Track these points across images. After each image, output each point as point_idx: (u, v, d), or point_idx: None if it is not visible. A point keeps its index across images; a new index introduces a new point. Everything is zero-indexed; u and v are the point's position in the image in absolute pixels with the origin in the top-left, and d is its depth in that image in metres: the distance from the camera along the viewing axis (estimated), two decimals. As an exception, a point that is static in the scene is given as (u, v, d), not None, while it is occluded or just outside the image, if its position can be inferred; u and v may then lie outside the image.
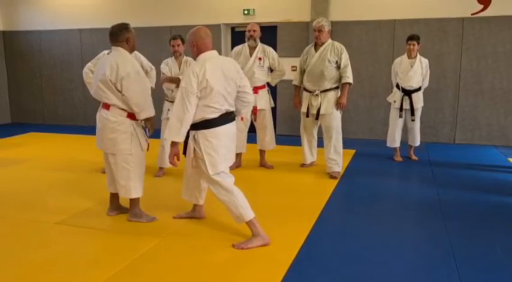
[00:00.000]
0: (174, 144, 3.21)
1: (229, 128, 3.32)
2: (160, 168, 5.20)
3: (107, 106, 3.55)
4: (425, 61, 5.85)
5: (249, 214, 3.25)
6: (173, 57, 5.06)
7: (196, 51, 3.28)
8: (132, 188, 3.64)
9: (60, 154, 6.49)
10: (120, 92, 3.46)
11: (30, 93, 9.70)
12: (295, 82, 5.37)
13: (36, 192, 4.61)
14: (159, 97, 4.97)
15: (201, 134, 3.23)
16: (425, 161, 6.00)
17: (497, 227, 3.69)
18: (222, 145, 3.27)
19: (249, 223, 3.26)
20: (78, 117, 9.31)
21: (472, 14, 6.94)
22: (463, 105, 7.20)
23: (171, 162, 3.25)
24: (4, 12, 9.57)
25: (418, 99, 5.87)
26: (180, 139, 3.18)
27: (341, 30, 7.33)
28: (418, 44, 5.76)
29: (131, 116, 3.57)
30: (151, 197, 4.20)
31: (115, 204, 3.91)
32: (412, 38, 5.76)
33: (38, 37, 9.42)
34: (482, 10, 6.90)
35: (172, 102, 5.01)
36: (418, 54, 5.82)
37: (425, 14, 7.11)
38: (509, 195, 4.58)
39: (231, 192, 3.26)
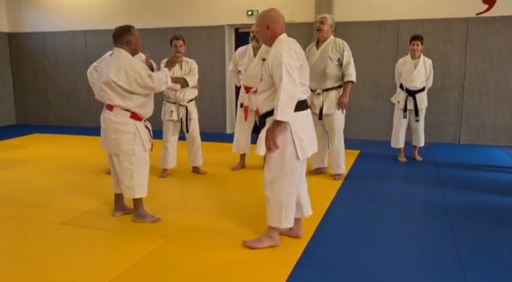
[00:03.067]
0: (279, 124, 2.87)
1: (309, 113, 3.17)
2: (164, 169, 5.20)
3: (110, 107, 3.57)
4: (428, 61, 5.84)
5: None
6: None
7: (269, 34, 3.04)
8: (136, 188, 3.66)
9: (65, 155, 6.52)
10: (132, 92, 3.48)
11: (35, 94, 9.75)
12: None
13: (41, 193, 4.63)
14: (159, 98, 4.93)
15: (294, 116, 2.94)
16: (429, 162, 5.98)
17: (502, 228, 3.67)
18: (308, 129, 3.11)
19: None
20: (83, 118, 9.35)
21: (476, 14, 6.92)
22: (468, 106, 7.17)
23: (270, 148, 2.92)
24: (9, 14, 9.62)
25: (422, 99, 5.85)
26: (291, 118, 2.89)
27: (345, 31, 7.31)
28: (422, 44, 5.75)
29: (134, 116, 3.59)
30: (155, 198, 4.22)
31: (120, 204, 3.92)
32: (416, 38, 5.75)
33: (42, 39, 9.47)
34: (487, 10, 6.87)
35: (174, 103, 4.99)
36: (421, 55, 5.80)
37: (429, 14, 7.09)
38: (514, 195, 4.57)
39: (295, 188, 3.09)
